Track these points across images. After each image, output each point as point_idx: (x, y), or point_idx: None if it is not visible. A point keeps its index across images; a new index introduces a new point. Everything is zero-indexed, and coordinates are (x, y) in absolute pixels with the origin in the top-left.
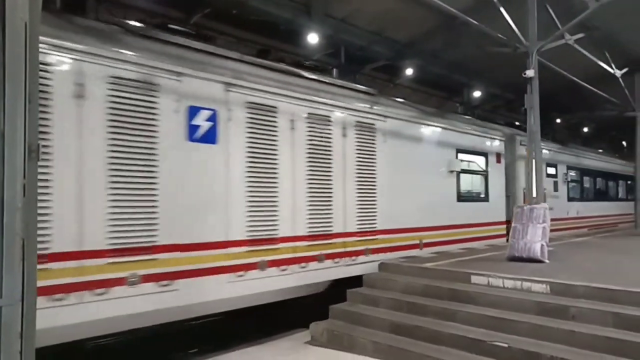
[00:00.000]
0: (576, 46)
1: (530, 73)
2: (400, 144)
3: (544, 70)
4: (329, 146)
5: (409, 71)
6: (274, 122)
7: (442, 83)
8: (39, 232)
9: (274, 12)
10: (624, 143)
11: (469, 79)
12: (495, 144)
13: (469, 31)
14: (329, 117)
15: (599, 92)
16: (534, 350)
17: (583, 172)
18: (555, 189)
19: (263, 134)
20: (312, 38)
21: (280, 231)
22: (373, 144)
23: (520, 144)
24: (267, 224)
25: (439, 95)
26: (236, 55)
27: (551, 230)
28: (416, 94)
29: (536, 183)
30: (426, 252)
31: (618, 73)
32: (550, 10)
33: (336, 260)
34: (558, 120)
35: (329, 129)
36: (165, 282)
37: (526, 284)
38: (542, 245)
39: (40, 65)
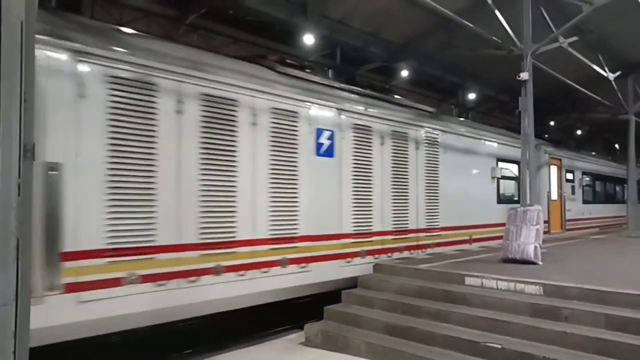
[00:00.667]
0: (570, 49)
1: (524, 76)
2: (456, 154)
3: (538, 72)
4: (407, 158)
5: (404, 73)
6: (370, 139)
7: (437, 85)
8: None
9: (270, 12)
10: (617, 146)
11: (464, 80)
12: None
13: (463, 33)
14: (406, 134)
15: (592, 94)
16: (527, 352)
17: (595, 177)
18: (573, 193)
19: (364, 150)
20: (308, 39)
21: (374, 227)
22: (437, 155)
23: (545, 153)
24: (366, 222)
25: (434, 97)
26: (343, 86)
27: (569, 230)
28: (411, 95)
29: (530, 186)
30: (475, 246)
31: (611, 76)
32: (545, 13)
33: (412, 251)
34: (552, 123)
35: (406, 144)
36: (303, 265)
37: (519, 286)
38: (535, 247)
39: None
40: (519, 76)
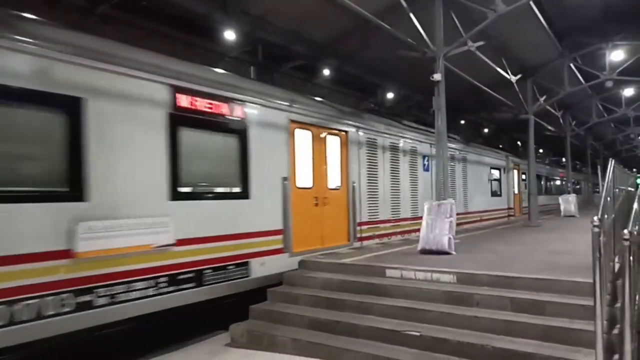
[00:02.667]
0: (477, 53)
1: (437, 77)
2: (472, 166)
3: (451, 74)
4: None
5: (326, 71)
6: (454, 165)
7: (358, 84)
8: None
9: (188, 6)
10: (519, 143)
11: (383, 80)
12: (502, 162)
13: (381, 34)
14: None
15: (497, 96)
16: (442, 337)
17: (539, 177)
18: (525, 188)
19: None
20: (229, 35)
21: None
22: (466, 168)
23: (510, 161)
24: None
25: (355, 95)
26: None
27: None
28: (333, 94)
29: (444, 181)
30: (483, 224)
31: (513, 79)
32: (455, 19)
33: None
34: (462, 122)
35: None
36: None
37: (435, 275)
38: (449, 238)
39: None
40: (433, 77)
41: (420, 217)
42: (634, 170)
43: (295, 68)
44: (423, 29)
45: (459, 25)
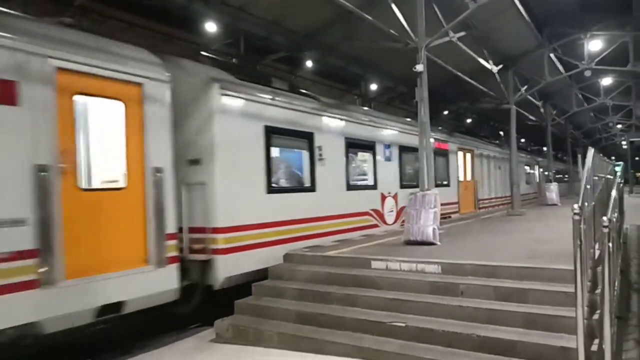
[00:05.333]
0: (459, 43)
1: (419, 68)
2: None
3: (433, 65)
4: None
5: (309, 63)
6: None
7: (341, 75)
8: None
9: None
10: (501, 132)
11: (366, 72)
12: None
13: (364, 25)
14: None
15: (479, 86)
16: (428, 327)
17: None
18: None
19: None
20: (210, 27)
21: None
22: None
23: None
24: None
25: (338, 87)
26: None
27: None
28: (316, 85)
29: (427, 170)
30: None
31: (495, 69)
32: (437, 9)
33: None
34: (445, 112)
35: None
36: None
37: (420, 266)
38: (434, 228)
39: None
40: (415, 68)
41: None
42: (613, 158)
43: (278, 60)
44: (405, 20)
45: (440, 16)
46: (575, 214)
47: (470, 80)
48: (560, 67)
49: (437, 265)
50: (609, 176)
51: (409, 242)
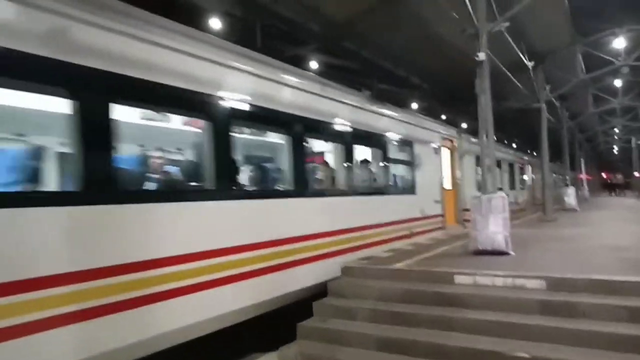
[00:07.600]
0: (506, 34)
1: (482, 56)
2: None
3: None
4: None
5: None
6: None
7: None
8: None
9: None
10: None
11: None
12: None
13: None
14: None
15: (516, 82)
16: (554, 357)
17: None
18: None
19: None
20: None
21: None
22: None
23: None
24: None
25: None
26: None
27: None
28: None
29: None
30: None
31: (530, 64)
32: None
33: None
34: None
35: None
36: None
37: (519, 281)
38: (505, 236)
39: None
40: (477, 56)
41: None
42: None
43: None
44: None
45: (493, 2)
46: None
47: (509, 74)
48: (583, 66)
49: (541, 281)
50: None
51: (478, 252)
